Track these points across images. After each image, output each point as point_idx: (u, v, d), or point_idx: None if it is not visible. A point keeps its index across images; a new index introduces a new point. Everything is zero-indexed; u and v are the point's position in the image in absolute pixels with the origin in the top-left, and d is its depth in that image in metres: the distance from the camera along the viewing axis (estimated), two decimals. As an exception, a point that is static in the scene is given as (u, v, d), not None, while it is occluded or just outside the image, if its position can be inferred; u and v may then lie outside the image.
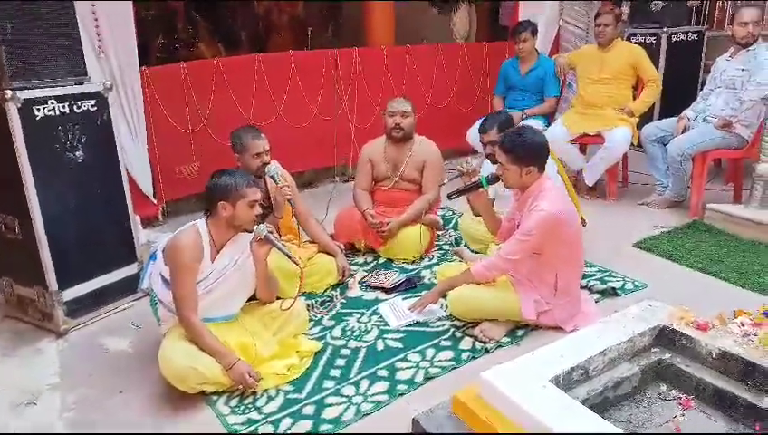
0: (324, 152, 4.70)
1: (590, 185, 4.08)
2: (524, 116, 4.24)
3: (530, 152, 2.34)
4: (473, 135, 4.38)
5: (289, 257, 2.30)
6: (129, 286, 2.87)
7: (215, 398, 2.14)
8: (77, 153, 2.63)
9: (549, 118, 4.39)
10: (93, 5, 3.39)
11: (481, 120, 3.17)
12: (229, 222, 2.25)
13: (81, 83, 2.68)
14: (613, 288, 2.80)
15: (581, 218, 3.13)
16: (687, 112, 3.81)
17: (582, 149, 4.45)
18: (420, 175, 3.32)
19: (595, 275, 2.98)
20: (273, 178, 2.79)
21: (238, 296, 2.38)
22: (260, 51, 6.18)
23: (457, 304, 2.47)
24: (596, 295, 2.77)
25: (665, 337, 1.99)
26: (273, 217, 2.85)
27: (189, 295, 2.17)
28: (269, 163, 2.81)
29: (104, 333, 2.67)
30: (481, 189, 2.54)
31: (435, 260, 3.26)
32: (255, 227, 2.26)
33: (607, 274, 2.99)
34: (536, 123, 4.18)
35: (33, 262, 2.57)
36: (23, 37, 2.42)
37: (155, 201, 4.01)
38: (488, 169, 3.05)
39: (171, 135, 4.02)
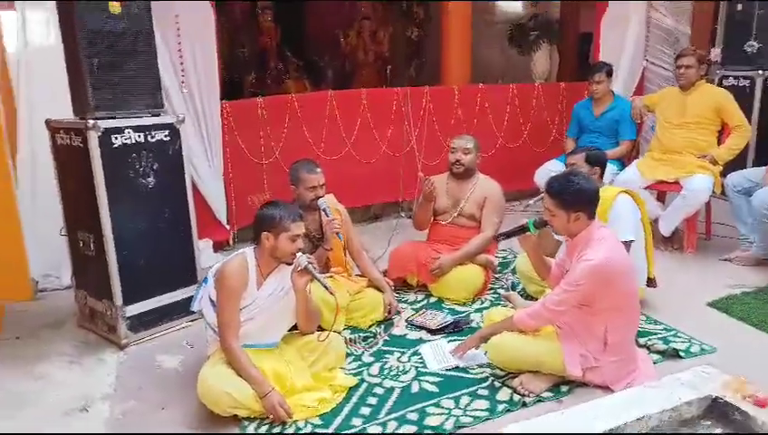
0: (391, 187, 4.75)
1: (666, 235, 3.83)
2: (596, 159, 4.08)
3: (578, 198, 2.25)
4: (540, 175, 4.29)
5: (326, 289, 2.33)
6: (187, 307, 2.98)
7: (246, 423, 2.18)
8: (148, 179, 2.83)
9: (624, 162, 4.20)
10: (179, 45, 3.71)
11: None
12: (271, 253, 2.32)
13: (158, 115, 2.91)
14: (675, 349, 2.59)
15: (650, 279, 2.97)
16: (776, 162, 3.52)
17: (662, 198, 4.22)
18: (480, 212, 3.28)
19: (659, 333, 2.77)
20: (324, 211, 2.86)
21: (280, 325, 2.43)
22: (345, 87, 6.49)
23: (496, 352, 2.38)
24: (655, 356, 2.57)
25: (717, 409, 1.81)
26: (323, 249, 2.91)
27: (231, 321, 2.25)
28: (322, 197, 2.88)
29: (160, 349, 2.81)
30: (528, 233, 2.46)
31: (487, 304, 3.17)
32: (297, 257, 2.32)
33: (672, 333, 2.77)
34: (609, 168, 4.01)
35: (103, 277, 2.78)
36: (108, 72, 2.67)
37: (227, 227, 4.22)
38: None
39: (246, 166, 4.23)
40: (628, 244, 2.73)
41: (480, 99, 5.01)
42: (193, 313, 2.96)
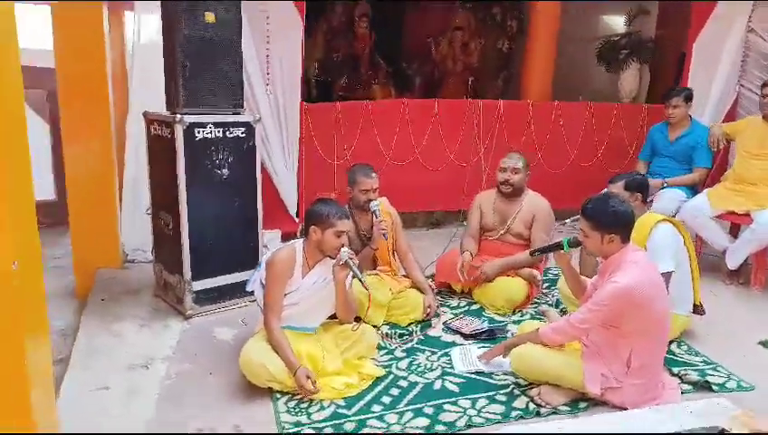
0: (454, 196, 4.86)
1: (732, 268, 3.68)
2: (665, 184, 3.99)
3: (612, 220, 2.29)
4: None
5: (362, 283, 2.52)
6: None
7: (278, 395, 2.41)
8: (224, 170, 3.16)
9: (697, 190, 4.06)
10: (268, 47, 4.06)
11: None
12: (317, 245, 2.55)
13: (238, 113, 3.24)
14: (708, 382, 2.54)
15: (697, 305, 2.92)
16: None
17: (735, 230, 4.04)
18: (528, 231, 3.33)
19: (696, 365, 2.72)
20: (374, 213, 3.05)
21: (320, 312, 2.66)
22: (431, 95, 6.67)
23: (518, 361, 2.46)
24: (686, 386, 2.54)
25: (721, 441, 1.81)
26: (369, 248, 3.10)
27: (275, 303, 2.51)
28: (374, 199, 3.08)
29: (219, 323, 3.13)
30: (562, 251, 2.52)
31: (527, 317, 3.23)
32: (340, 251, 2.52)
33: (712, 367, 2.71)
34: (678, 194, 3.92)
35: (177, 254, 3.13)
36: (197, 73, 3.02)
37: (296, 220, 4.53)
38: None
39: (319, 165, 4.52)
40: (667, 275, 2.71)
41: (555, 115, 5.01)
42: (251, 293, 3.30)
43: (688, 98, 4.05)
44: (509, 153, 3.48)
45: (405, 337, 2.97)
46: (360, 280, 2.51)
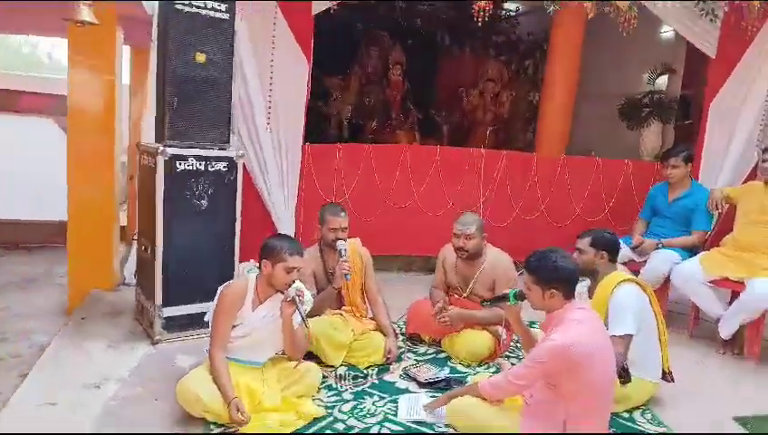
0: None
1: (725, 338, 3.48)
2: (660, 245, 3.85)
3: (553, 275, 2.23)
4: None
5: (303, 321, 2.53)
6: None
7: (213, 427, 2.42)
8: (202, 202, 3.28)
9: (695, 253, 3.88)
10: (271, 90, 4.23)
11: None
12: (268, 280, 2.59)
13: (223, 148, 3.37)
14: (658, 455, 2.38)
15: (665, 372, 2.78)
16: None
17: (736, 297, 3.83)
18: (490, 292, 3.22)
19: (654, 436, 2.56)
20: (340, 252, 3.08)
21: (267, 347, 2.68)
22: (459, 144, 6.73)
23: (453, 414, 2.39)
24: (636, 458, 2.39)
25: None
26: (331, 287, 3.12)
27: (218, 335, 2.54)
28: (342, 239, 3.11)
29: (184, 350, 3.18)
30: (508, 304, 2.46)
31: (493, 368, 3.14)
32: (288, 289, 2.55)
33: (673, 440, 2.55)
34: (672, 256, 3.77)
35: (152, 279, 3.24)
36: (184, 109, 3.19)
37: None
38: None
39: (317, 202, 4.60)
40: (627, 337, 2.60)
41: (560, 169, 4.95)
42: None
43: (688, 159, 3.94)
44: (462, 216, 3.35)
45: (359, 380, 2.93)
46: (303, 318, 2.52)
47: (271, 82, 4.23)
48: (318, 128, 7.38)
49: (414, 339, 3.46)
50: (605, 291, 2.76)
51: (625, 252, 3.97)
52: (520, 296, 2.41)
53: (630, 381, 2.63)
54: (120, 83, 4.07)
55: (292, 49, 4.26)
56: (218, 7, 3.21)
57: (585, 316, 2.25)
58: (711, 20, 4.33)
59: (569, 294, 2.26)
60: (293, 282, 2.57)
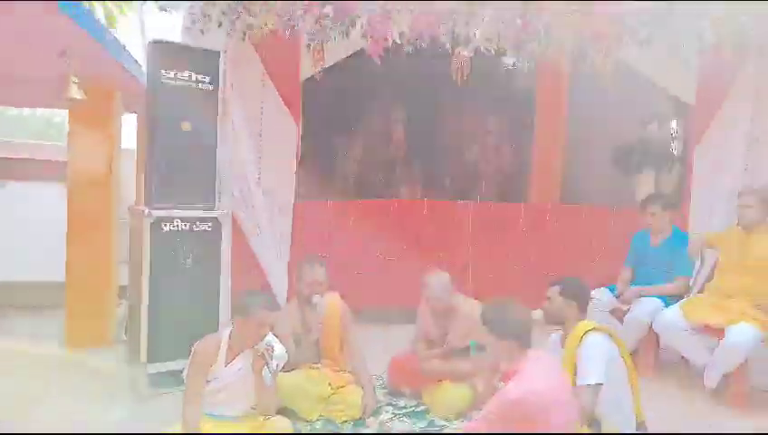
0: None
1: (710, 387, 3.43)
2: (641, 294, 3.86)
3: (506, 327, 2.29)
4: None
5: (270, 375, 2.61)
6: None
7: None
8: (187, 260, 3.43)
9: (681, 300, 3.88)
10: (260, 150, 4.44)
11: None
12: (240, 335, 2.68)
13: (210, 209, 3.54)
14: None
15: (639, 423, 2.77)
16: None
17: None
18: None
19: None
20: (314, 306, 3.17)
21: (241, 401, 2.74)
22: (460, 196, 6.85)
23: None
24: None
25: None
26: (307, 341, 3.19)
27: (191, 390, 2.63)
28: (318, 294, 3.20)
29: (166, 406, 3.22)
30: (472, 356, 2.52)
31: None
32: (259, 344, 2.64)
33: (644, 493, 2.51)
34: (655, 304, 3.77)
35: (138, 335, 3.36)
36: (170, 175, 3.39)
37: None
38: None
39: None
40: (594, 387, 2.60)
41: (549, 217, 5.03)
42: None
43: (666, 206, 3.99)
44: (432, 274, 3.40)
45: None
46: (270, 373, 2.60)
47: (260, 144, 4.44)
48: (325, 185, 7.62)
49: (395, 392, 3.48)
50: (574, 341, 2.77)
51: (611, 300, 4.00)
52: (479, 348, 2.47)
53: (600, 432, 2.62)
54: (119, 148, 4.32)
55: (280, 113, 4.51)
56: (203, 79, 3.46)
57: (537, 367, 2.29)
58: (685, 68, 4.42)
59: (524, 345, 2.30)
60: (265, 337, 2.66)
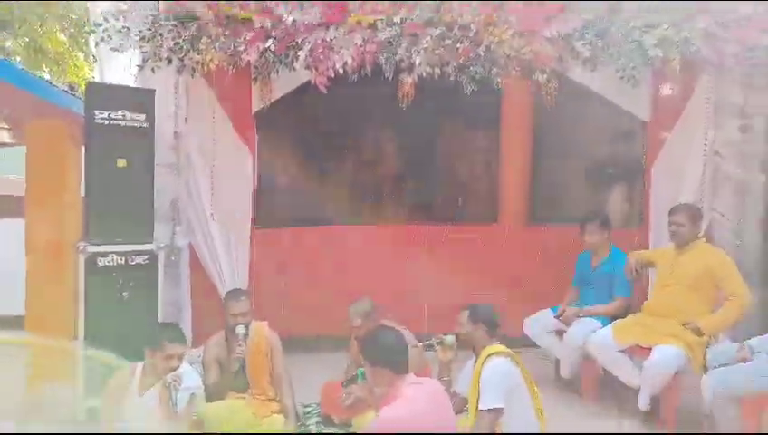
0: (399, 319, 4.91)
1: (642, 409, 3.38)
2: (581, 314, 3.85)
3: (379, 354, 2.35)
4: (528, 324, 4.14)
5: (173, 407, 2.69)
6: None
7: None
8: (124, 293, 3.56)
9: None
10: (212, 180, 4.56)
11: None
12: (150, 366, 2.79)
13: (148, 242, 3.67)
14: None
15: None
16: (753, 341, 3.00)
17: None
18: None
19: None
20: (237, 336, 3.25)
21: (152, 430, 2.83)
22: (449, 217, 6.88)
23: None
24: None
25: None
26: (228, 372, 3.27)
27: (104, 419, 2.74)
28: (242, 324, 3.28)
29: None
30: (359, 383, 2.57)
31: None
32: (166, 376, 2.74)
33: None
34: (591, 324, 3.76)
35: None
36: (106, 209, 3.53)
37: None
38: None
39: (269, 285, 4.83)
40: (494, 411, 2.63)
41: (505, 240, 5.04)
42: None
43: (604, 224, 3.98)
44: (356, 302, 3.52)
45: (253, 462, 3.04)
46: (174, 404, 2.69)
47: (212, 172, 4.56)
48: (314, 208, 7.75)
49: (327, 420, 3.52)
50: (478, 365, 2.81)
51: (552, 321, 4.00)
52: (365, 376, 2.51)
53: (503, 457, 2.63)
54: (78, 181, 4.47)
55: (234, 144, 4.63)
56: (137, 117, 3.61)
57: (416, 392, 2.32)
58: (633, 85, 4.40)
59: (399, 371, 2.34)
60: (175, 368, 2.76)
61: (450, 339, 2.94)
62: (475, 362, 2.95)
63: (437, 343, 2.98)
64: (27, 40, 9.98)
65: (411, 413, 2.24)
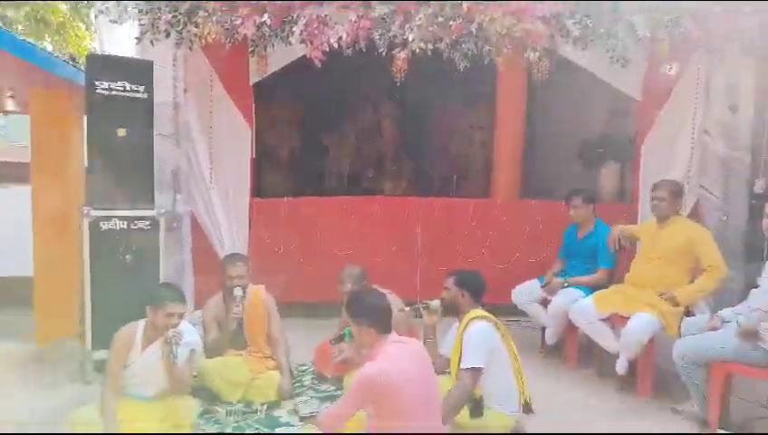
0: (394, 286, 5.06)
1: (620, 373, 3.55)
2: (565, 284, 4.00)
3: (363, 313, 2.49)
4: (516, 293, 4.29)
5: (173, 361, 2.86)
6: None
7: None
8: (127, 257, 3.72)
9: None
10: (211, 150, 4.68)
11: None
12: (153, 324, 2.95)
13: (149, 208, 3.81)
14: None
15: (525, 402, 2.95)
16: (725, 311, 3.15)
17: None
18: None
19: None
20: (235, 298, 3.41)
21: (154, 383, 3.00)
22: (448, 191, 7.04)
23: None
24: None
25: None
26: (226, 330, 3.45)
27: (109, 373, 2.94)
28: (239, 286, 3.44)
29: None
30: (345, 341, 2.73)
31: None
32: (168, 332, 2.91)
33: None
34: (575, 293, 3.93)
35: (84, 327, 3.67)
36: (108, 176, 3.67)
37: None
38: None
39: (267, 253, 4.98)
40: (474, 370, 2.79)
41: (497, 213, 5.18)
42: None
43: (588, 199, 4.12)
44: (346, 268, 3.70)
45: (247, 415, 3.23)
46: (173, 359, 2.86)
47: (210, 142, 4.68)
48: (317, 182, 7.89)
49: (321, 378, 3.71)
50: (461, 328, 2.97)
51: (537, 291, 4.16)
52: (352, 335, 2.67)
53: (482, 414, 2.81)
54: (83, 148, 4.60)
55: (231, 115, 4.74)
56: (136, 88, 3.73)
57: (398, 350, 2.48)
58: (622, 65, 4.48)
59: (382, 329, 2.50)
60: (176, 325, 2.92)
61: (435, 304, 3.09)
62: (459, 325, 3.12)
63: (423, 307, 3.14)
64: (28, 9, 9.98)
65: (393, 368, 2.39)
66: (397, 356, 2.46)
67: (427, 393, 2.50)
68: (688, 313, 3.57)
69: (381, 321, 2.50)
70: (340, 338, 2.80)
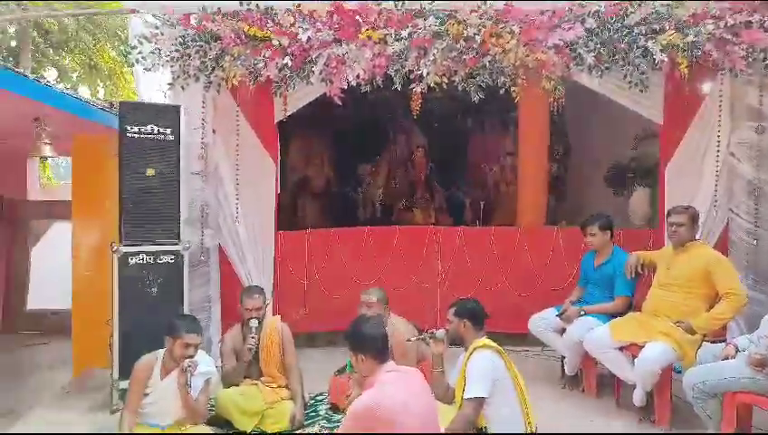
0: (413, 316, 5.11)
1: (637, 404, 3.47)
2: (582, 313, 3.95)
3: (359, 342, 2.56)
4: (532, 322, 4.26)
5: (187, 391, 2.99)
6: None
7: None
8: (153, 289, 3.92)
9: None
10: (237, 189, 4.90)
11: None
12: (170, 353, 3.11)
13: (174, 244, 4.03)
14: None
15: (531, 432, 2.93)
16: (740, 339, 3.05)
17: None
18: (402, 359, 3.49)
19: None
20: (250, 329, 3.54)
21: (170, 411, 3.15)
22: (478, 218, 7.10)
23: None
24: None
25: None
26: (242, 361, 3.56)
27: (129, 401, 3.09)
28: (255, 318, 3.57)
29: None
30: (347, 372, 2.80)
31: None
32: (183, 361, 3.06)
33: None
34: (590, 322, 3.87)
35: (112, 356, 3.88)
36: (137, 213, 3.91)
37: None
38: None
39: (292, 284, 5.14)
40: (477, 400, 2.80)
41: (519, 241, 5.17)
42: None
43: (605, 227, 4.07)
44: (366, 291, 3.78)
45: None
46: (187, 390, 2.99)
47: (237, 180, 4.90)
48: (350, 213, 8.07)
49: (335, 408, 3.76)
50: (466, 357, 3.00)
51: (554, 320, 4.12)
52: (352, 366, 2.74)
53: (486, 443, 2.81)
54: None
55: (258, 152, 4.96)
56: (164, 131, 3.98)
57: (395, 379, 2.53)
58: (641, 90, 4.46)
59: (379, 359, 2.55)
60: (192, 356, 3.07)
61: (440, 333, 3.13)
62: (464, 355, 3.14)
63: (429, 336, 3.18)
64: (83, 58, 10.76)
65: (387, 397, 2.43)
66: (392, 385, 2.51)
67: (424, 423, 2.53)
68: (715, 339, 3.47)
69: (377, 350, 2.56)
70: (342, 369, 2.87)
